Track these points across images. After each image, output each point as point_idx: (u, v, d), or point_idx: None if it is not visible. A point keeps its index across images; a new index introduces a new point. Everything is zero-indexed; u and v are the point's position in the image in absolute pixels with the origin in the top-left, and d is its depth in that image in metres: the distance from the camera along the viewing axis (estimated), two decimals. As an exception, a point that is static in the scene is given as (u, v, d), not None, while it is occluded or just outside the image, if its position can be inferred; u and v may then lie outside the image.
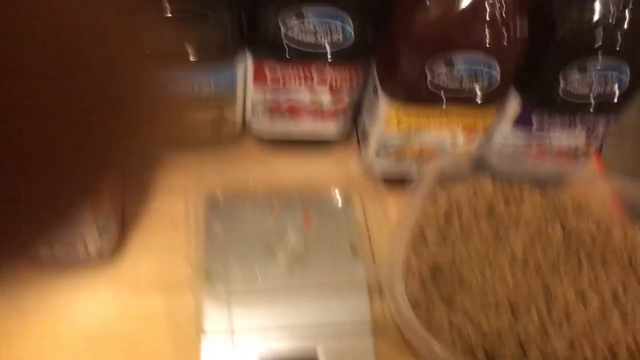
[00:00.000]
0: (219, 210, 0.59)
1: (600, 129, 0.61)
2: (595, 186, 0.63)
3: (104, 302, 0.57)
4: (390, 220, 0.59)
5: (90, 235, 0.52)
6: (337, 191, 0.62)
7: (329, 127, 0.64)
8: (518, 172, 0.61)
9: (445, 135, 0.60)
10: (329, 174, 0.62)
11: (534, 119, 0.59)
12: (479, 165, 0.62)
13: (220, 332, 0.52)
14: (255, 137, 0.67)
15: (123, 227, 0.61)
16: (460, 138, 0.60)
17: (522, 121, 0.59)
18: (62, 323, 0.55)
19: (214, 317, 0.53)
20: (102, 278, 0.58)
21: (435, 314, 0.52)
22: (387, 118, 0.58)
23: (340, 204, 0.61)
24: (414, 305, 0.53)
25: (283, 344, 0.53)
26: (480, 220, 0.58)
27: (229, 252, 0.56)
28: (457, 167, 0.61)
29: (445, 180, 0.60)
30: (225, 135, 0.64)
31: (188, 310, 0.54)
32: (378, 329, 0.55)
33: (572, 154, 0.64)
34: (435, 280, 0.55)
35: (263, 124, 0.63)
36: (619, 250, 0.57)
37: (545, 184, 0.62)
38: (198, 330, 0.52)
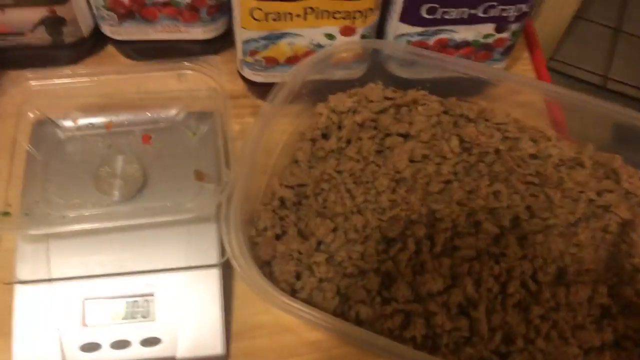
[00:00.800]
0: (47, 134, 0.49)
1: (513, 23, 0.49)
2: (512, 90, 0.52)
3: None
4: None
5: None
6: (182, 108, 0.51)
7: (193, 29, 0.53)
8: (417, 76, 0.50)
9: (318, 37, 0.49)
10: (182, 87, 0.51)
11: (425, 12, 0.47)
12: (371, 69, 0.51)
13: (36, 281, 0.44)
14: (111, 44, 0.56)
15: None
16: (339, 39, 0.49)
17: (412, 15, 0.48)
18: None
19: (29, 264, 0.45)
20: None
21: (281, 249, 0.44)
22: (242, 11, 0.46)
23: (190, 124, 0.51)
24: (261, 235, 0.44)
25: (113, 291, 0.45)
26: (362, 135, 0.48)
27: (52, 183, 0.47)
28: (336, 69, 0.50)
29: (325, 91, 0.49)
30: (67, 40, 0.53)
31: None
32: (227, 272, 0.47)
33: (484, 52, 0.53)
34: (299, 204, 0.46)
35: (110, 24, 0.52)
36: (523, 165, 0.47)
37: (450, 90, 0.51)
38: (10, 278, 0.44)
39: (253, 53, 0.50)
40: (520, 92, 0.51)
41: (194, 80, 0.49)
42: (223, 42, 0.57)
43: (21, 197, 0.46)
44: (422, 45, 0.50)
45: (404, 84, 0.51)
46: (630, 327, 0.42)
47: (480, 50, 0.52)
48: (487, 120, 0.50)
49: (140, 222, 0.45)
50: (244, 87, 0.57)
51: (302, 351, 0.45)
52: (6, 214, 0.45)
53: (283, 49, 0.50)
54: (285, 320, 0.46)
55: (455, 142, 0.48)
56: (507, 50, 0.53)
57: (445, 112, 0.50)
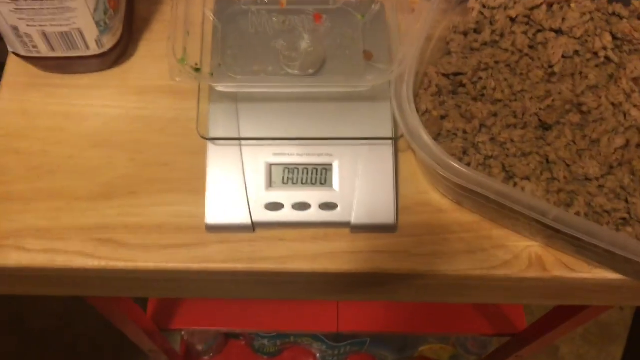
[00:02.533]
0: (227, 6, 0.52)
1: None
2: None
3: (110, 106, 0.54)
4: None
5: (85, 24, 0.47)
6: None
7: None
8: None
9: None
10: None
11: None
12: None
13: (226, 138, 0.48)
14: None
15: (131, 29, 0.57)
16: None
17: None
18: (68, 125, 0.53)
19: (221, 123, 0.48)
20: (109, 83, 0.56)
21: (448, 127, 0.46)
22: None
23: (359, 6, 0.53)
24: (425, 116, 0.47)
25: (295, 157, 0.48)
26: (515, 29, 0.49)
27: (232, 49, 0.51)
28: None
29: None
30: None
31: (195, 116, 0.50)
32: (400, 147, 0.50)
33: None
34: (454, 93, 0.49)
35: None
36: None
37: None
38: (204, 135, 0.48)
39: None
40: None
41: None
42: None
43: (210, 59, 0.51)
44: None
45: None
46: None
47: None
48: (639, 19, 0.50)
49: (312, 90, 0.48)
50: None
51: (457, 229, 0.50)
52: (197, 69, 0.50)
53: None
54: (446, 201, 0.49)
55: (607, 37, 0.49)
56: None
57: (597, 10, 0.51)
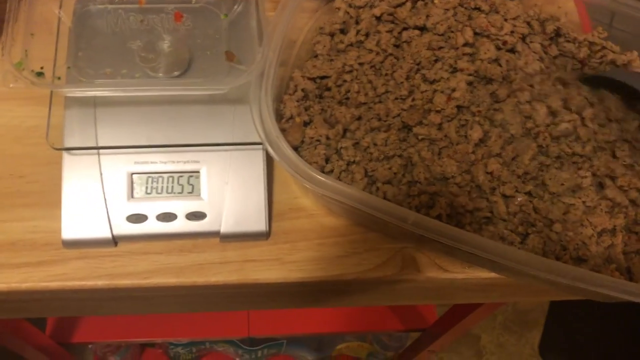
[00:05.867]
0: (84, 10, 0.49)
1: None
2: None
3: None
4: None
5: None
6: None
7: None
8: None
9: None
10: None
11: None
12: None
13: (83, 148, 0.45)
14: None
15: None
16: None
17: None
18: None
19: (77, 131, 0.45)
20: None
21: (310, 134, 0.46)
22: None
23: (221, 5, 0.51)
24: (289, 122, 0.46)
25: (159, 165, 0.46)
26: (380, 28, 0.49)
27: (85, 51, 0.48)
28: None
29: None
30: None
31: (51, 123, 0.46)
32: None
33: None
34: (321, 97, 0.48)
35: None
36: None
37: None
38: (56, 145, 0.45)
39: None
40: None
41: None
42: None
43: (55, 62, 0.47)
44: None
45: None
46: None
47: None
48: (497, 12, 0.51)
49: (165, 93, 0.46)
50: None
51: (331, 234, 0.49)
52: (40, 74, 0.46)
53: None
54: (320, 206, 0.48)
55: (469, 33, 0.49)
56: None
57: (460, 5, 0.52)
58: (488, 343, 1.48)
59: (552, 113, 0.47)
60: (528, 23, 0.50)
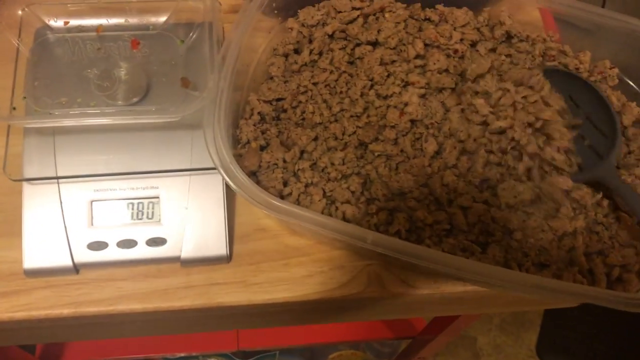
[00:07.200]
0: (36, 33, 0.50)
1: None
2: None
3: None
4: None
5: None
6: (172, 15, 0.51)
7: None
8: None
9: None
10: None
11: None
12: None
13: (43, 178, 0.45)
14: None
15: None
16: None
17: None
18: None
19: (36, 161, 0.46)
20: None
21: (267, 158, 0.46)
22: None
23: (179, 32, 0.51)
24: (245, 147, 0.46)
25: (118, 192, 0.46)
26: (333, 46, 0.49)
27: (41, 81, 0.48)
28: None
29: (294, 6, 0.51)
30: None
31: (10, 152, 0.46)
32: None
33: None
34: (278, 119, 0.49)
35: None
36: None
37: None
38: (14, 176, 0.45)
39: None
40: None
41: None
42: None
43: (13, 91, 0.47)
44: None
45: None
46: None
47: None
48: (447, 22, 0.52)
49: (119, 122, 0.46)
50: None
51: (295, 253, 0.48)
52: None
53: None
54: (284, 226, 0.48)
55: (419, 45, 0.49)
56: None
57: (411, 17, 0.52)
58: (485, 345, 1.47)
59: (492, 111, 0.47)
60: (478, 29, 0.50)
